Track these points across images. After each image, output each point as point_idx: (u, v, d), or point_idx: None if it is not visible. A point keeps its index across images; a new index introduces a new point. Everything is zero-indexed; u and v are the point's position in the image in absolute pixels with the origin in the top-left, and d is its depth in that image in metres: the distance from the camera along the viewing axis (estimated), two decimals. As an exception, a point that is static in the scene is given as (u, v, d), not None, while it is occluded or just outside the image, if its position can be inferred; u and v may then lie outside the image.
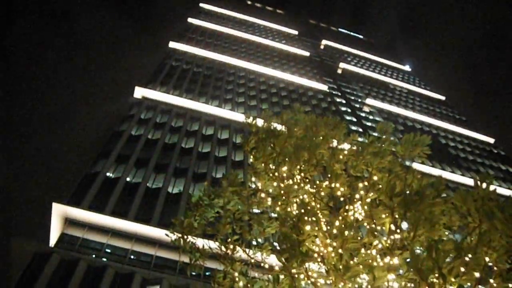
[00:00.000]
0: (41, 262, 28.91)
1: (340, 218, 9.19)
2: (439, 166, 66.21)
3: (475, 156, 79.17)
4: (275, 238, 9.57)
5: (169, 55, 77.56)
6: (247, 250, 9.78)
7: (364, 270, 7.52)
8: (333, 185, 9.77)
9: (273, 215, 10.40)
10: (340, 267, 7.39)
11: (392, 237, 8.15)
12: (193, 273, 31.28)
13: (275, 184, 9.84)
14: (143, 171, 41.50)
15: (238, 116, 59.03)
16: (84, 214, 33.44)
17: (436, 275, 6.03)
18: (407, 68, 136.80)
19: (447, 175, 64.43)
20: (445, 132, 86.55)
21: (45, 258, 29.19)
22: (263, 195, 9.79)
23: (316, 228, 8.64)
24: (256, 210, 10.52)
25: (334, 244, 8.02)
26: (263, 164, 9.88)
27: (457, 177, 65.51)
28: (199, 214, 9.23)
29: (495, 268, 7.13)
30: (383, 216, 7.85)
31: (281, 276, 8.18)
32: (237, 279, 8.62)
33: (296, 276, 7.66)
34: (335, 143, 10.94)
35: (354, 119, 77.43)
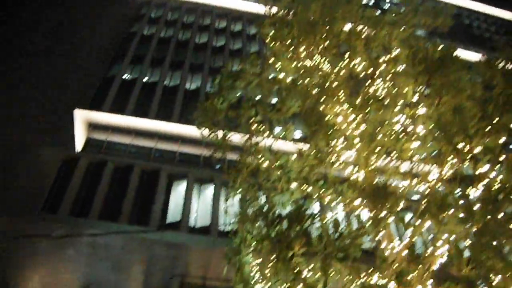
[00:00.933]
0: (70, 166, 30.01)
1: (362, 95, 9.04)
2: (462, 46, 63.96)
3: (500, 35, 75.89)
4: (298, 119, 9.51)
5: None
6: (269, 136, 9.82)
7: (389, 142, 7.50)
8: (352, 63, 9.50)
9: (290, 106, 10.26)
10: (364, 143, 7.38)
11: (413, 109, 8.04)
12: (217, 167, 32.24)
13: (293, 64, 9.60)
14: (159, 70, 41.26)
15: (250, 6, 56.82)
16: (107, 117, 33.99)
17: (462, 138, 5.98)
18: None
19: (470, 55, 62.43)
20: (469, 12, 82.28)
21: (74, 163, 30.26)
22: (282, 75, 9.60)
23: (337, 106, 8.53)
24: (275, 100, 10.41)
25: (358, 119, 7.95)
26: (280, 45, 9.57)
27: (480, 57, 63.42)
28: (222, 96, 9.17)
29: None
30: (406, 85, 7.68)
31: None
32: (261, 160, 8.75)
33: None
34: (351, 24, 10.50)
35: (372, 1, 73.97)
